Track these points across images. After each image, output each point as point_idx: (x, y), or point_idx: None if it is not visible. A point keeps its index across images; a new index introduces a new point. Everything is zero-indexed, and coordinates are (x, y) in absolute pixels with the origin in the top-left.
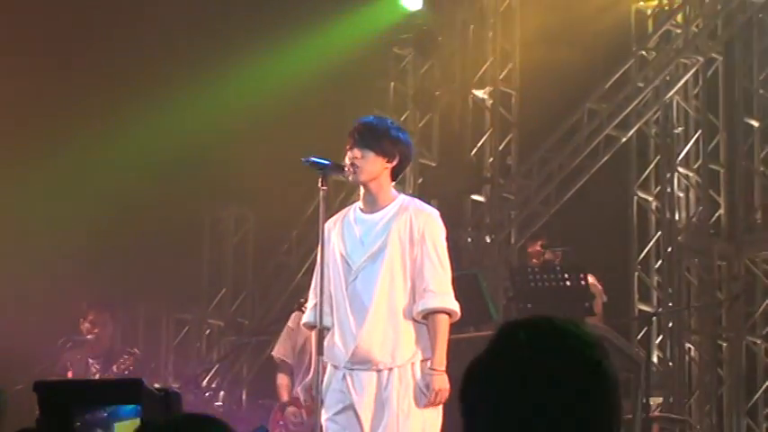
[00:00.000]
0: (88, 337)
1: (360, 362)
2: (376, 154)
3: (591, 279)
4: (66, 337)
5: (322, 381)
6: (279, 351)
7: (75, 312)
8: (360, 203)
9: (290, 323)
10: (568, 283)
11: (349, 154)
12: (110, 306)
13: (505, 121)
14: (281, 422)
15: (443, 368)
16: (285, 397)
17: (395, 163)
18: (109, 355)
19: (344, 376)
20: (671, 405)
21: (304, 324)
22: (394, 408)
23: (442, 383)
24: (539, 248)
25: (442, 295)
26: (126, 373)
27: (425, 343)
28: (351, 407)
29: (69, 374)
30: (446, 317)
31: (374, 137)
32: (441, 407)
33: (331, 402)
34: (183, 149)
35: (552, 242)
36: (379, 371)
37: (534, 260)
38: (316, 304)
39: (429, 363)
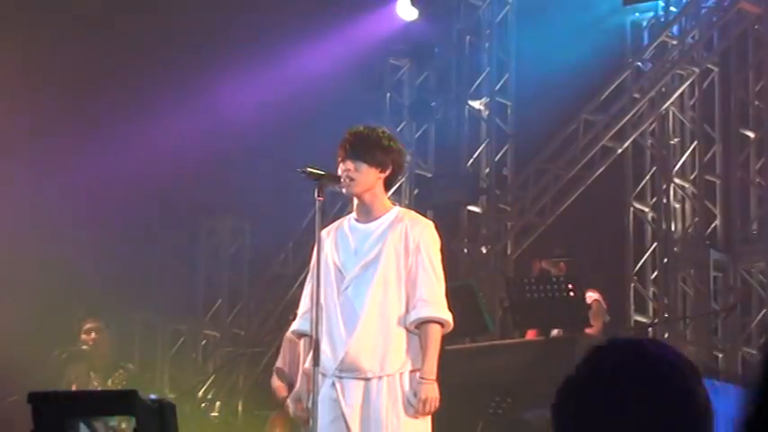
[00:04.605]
0: (83, 347)
1: (348, 369)
2: (369, 165)
3: (596, 296)
4: (62, 347)
5: (317, 392)
6: (279, 362)
7: (73, 323)
8: (354, 214)
9: (287, 334)
10: (564, 294)
11: (341, 166)
12: (105, 315)
13: (501, 131)
14: (278, 430)
15: (433, 377)
16: (283, 393)
17: (388, 173)
18: (108, 369)
19: (333, 384)
20: None
21: (293, 332)
22: (383, 419)
23: (432, 392)
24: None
25: (436, 305)
26: (119, 388)
27: (416, 353)
28: (341, 417)
29: (74, 388)
30: (438, 327)
31: (366, 148)
32: (429, 418)
33: (321, 412)
34: (179, 160)
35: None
36: (367, 379)
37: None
38: (306, 312)
39: (418, 373)
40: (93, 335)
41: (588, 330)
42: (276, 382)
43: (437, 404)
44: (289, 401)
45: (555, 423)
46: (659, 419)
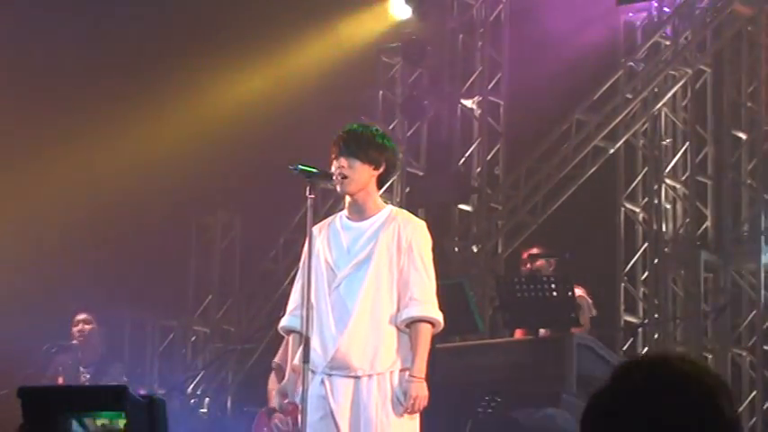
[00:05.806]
0: (73, 342)
1: (338, 367)
2: (362, 162)
3: (581, 291)
4: (52, 342)
5: (306, 388)
6: (279, 357)
7: (64, 318)
8: (345, 211)
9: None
10: (554, 293)
11: (335, 163)
12: (95, 311)
13: (493, 130)
14: (266, 428)
15: (423, 376)
16: (273, 402)
17: (381, 171)
18: (99, 365)
19: (322, 381)
20: None
21: (281, 328)
22: (372, 417)
23: (421, 391)
24: (535, 252)
25: (426, 304)
26: None
27: (406, 352)
28: (329, 414)
29: (60, 380)
30: (429, 326)
31: (360, 145)
32: (418, 416)
33: (310, 409)
34: (170, 155)
35: (547, 251)
36: (357, 377)
37: (527, 266)
38: (295, 309)
39: (407, 371)
40: (83, 327)
41: (574, 329)
42: (272, 384)
43: (426, 402)
44: (275, 394)
45: None
46: None
